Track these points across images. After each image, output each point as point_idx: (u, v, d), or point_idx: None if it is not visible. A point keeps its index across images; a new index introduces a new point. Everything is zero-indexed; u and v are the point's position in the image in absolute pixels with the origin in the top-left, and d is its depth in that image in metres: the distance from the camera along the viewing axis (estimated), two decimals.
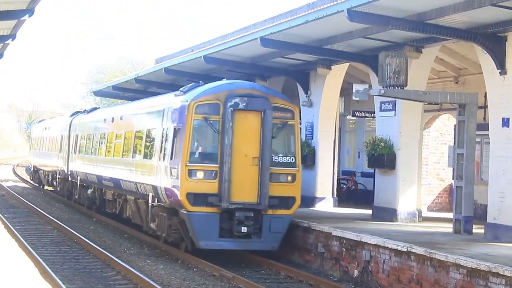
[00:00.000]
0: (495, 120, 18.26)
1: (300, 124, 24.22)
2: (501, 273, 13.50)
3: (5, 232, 21.98)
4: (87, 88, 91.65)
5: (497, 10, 16.77)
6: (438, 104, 25.17)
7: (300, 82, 27.00)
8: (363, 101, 22.17)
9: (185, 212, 19.30)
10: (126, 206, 25.65)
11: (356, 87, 19.82)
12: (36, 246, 21.88)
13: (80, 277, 17.40)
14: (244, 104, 19.32)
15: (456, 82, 25.85)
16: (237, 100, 19.30)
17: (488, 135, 18.90)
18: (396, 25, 18.32)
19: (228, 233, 19.35)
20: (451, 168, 24.37)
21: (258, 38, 21.94)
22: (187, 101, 19.62)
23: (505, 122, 17.91)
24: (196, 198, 19.16)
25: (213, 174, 19.20)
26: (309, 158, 25.87)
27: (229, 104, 19.23)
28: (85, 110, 37.66)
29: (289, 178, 19.75)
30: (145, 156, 22.56)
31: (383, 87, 18.75)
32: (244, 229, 19.24)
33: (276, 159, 19.66)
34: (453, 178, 23.20)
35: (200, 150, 19.46)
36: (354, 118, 30.90)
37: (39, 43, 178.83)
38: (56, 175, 39.21)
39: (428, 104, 23.58)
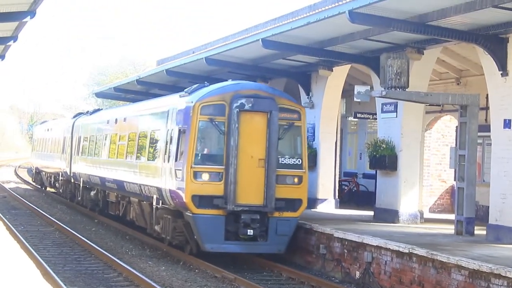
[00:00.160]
0: (497, 122, 18.26)
1: None
2: (503, 275, 13.49)
3: (7, 234, 21.98)
4: (89, 90, 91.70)
5: (498, 11, 16.77)
6: (439, 105, 25.15)
7: (302, 83, 27.01)
8: (364, 103, 22.13)
9: (190, 214, 19.04)
10: (129, 208, 25.46)
11: (358, 88, 19.82)
12: (38, 247, 21.89)
13: (81, 279, 17.41)
14: (250, 105, 19.06)
15: (458, 84, 25.84)
16: (243, 101, 19.04)
17: (489, 136, 18.90)
18: (397, 26, 18.32)
19: (234, 236, 19.06)
20: (453, 170, 24.38)
21: (260, 40, 21.94)
22: (192, 102, 19.37)
23: (506, 124, 17.91)
24: (202, 200, 18.89)
25: (219, 176, 18.96)
26: (310, 160, 25.74)
27: (235, 105, 18.98)
28: (87, 111, 37.58)
29: (296, 180, 19.50)
30: (150, 158, 22.35)
31: (384, 88, 18.75)
32: (250, 232, 18.96)
33: (283, 161, 19.41)
34: (454, 180, 23.19)
35: (205, 151, 19.26)
36: (356, 119, 30.89)
37: (41, 43, 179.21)
38: (59, 176, 39.16)
39: (429, 105, 23.57)
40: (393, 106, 22.25)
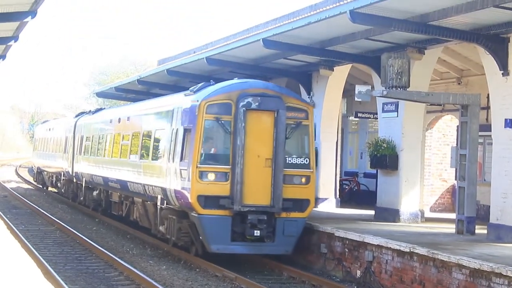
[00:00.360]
0: (498, 121, 18.27)
1: None
2: (504, 274, 13.51)
3: (8, 233, 22.02)
4: (90, 89, 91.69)
5: (500, 11, 16.78)
6: (440, 105, 25.19)
7: (303, 83, 27.02)
8: (365, 102, 22.15)
9: (196, 215, 18.70)
10: (133, 209, 25.18)
11: (359, 88, 19.81)
12: (39, 246, 21.90)
13: (82, 278, 17.43)
14: (257, 103, 18.72)
15: (459, 83, 25.86)
16: (249, 99, 18.69)
17: (490, 136, 18.91)
18: (398, 26, 18.33)
19: (240, 236, 18.72)
20: (454, 169, 24.38)
21: (261, 40, 21.93)
22: (197, 100, 19.02)
23: (507, 123, 17.92)
24: (207, 201, 18.55)
25: (225, 176, 18.63)
26: None
27: (242, 103, 18.64)
28: (90, 110, 37.43)
29: (303, 180, 19.21)
30: (154, 157, 22.05)
31: (385, 88, 18.76)
32: (257, 233, 18.62)
33: (290, 160, 19.11)
34: (455, 179, 23.18)
35: (211, 151, 18.91)
36: (357, 119, 30.92)
37: (42, 43, 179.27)
38: (61, 176, 39.08)
39: (430, 105, 23.60)
40: (394, 106, 22.26)
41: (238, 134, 18.58)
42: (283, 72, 27.45)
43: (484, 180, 24.22)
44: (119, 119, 27.43)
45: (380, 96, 19.81)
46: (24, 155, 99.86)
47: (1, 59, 26.01)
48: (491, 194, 18.48)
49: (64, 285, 15.41)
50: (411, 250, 16.15)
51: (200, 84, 20.45)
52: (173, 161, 19.98)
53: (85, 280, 17.15)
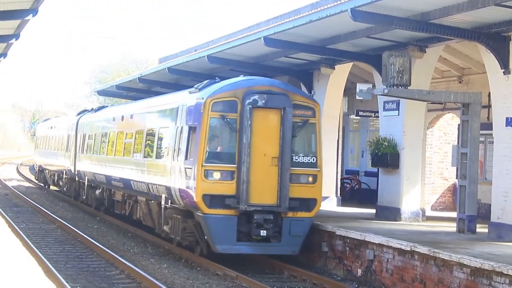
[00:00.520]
0: (499, 120, 18.27)
1: None
2: (505, 272, 13.50)
3: (9, 231, 22.05)
4: (91, 88, 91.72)
5: (501, 9, 16.77)
6: (441, 103, 25.18)
7: (304, 81, 27.01)
8: (366, 101, 22.19)
9: (201, 214, 18.40)
10: (136, 208, 24.93)
11: (360, 86, 19.81)
12: (40, 245, 21.91)
13: (83, 276, 17.43)
14: (263, 101, 18.39)
15: (460, 82, 25.85)
16: (255, 97, 18.37)
17: (492, 134, 18.92)
18: (399, 24, 18.32)
19: (246, 236, 18.42)
20: (455, 168, 24.33)
21: (262, 38, 21.91)
22: (203, 98, 18.74)
23: (509, 122, 17.92)
24: (213, 200, 18.24)
25: (231, 175, 18.34)
26: None
27: (248, 101, 18.31)
28: (92, 108, 37.30)
29: (310, 179, 18.97)
30: (158, 156, 21.76)
31: (386, 86, 18.76)
32: (263, 233, 18.31)
33: (297, 159, 18.82)
34: (456, 178, 23.16)
35: (217, 149, 18.63)
36: (358, 117, 30.90)
37: (42, 43, 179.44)
38: (63, 175, 39.01)
39: (431, 103, 23.58)
40: (395, 104, 22.26)
41: (244, 132, 18.30)
42: (284, 70, 27.43)
43: (485, 178, 24.21)
44: (122, 117, 27.15)
45: (381, 95, 19.82)
46: (25, 153, 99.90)
47: (2, 57, 25.99)
48: (492, 192, 18.48)
49: (65, 283, 15.40)
50: (412, 249, 16.14)
51: (205, 82, 20.19)
52: (177, 160, 19.73)
53: (86, 279, 17.15)
